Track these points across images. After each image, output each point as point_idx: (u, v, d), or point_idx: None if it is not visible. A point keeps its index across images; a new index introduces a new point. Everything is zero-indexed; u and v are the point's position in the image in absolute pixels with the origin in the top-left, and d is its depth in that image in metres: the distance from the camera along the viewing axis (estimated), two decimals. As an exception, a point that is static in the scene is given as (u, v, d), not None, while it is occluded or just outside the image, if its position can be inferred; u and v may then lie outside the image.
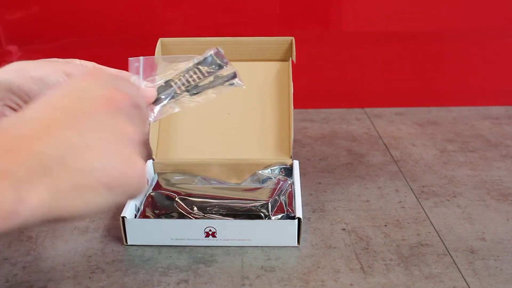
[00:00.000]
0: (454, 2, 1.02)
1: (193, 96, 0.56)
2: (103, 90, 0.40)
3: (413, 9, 1.01)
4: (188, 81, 0.55)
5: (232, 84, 0.56)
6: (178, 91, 0.55)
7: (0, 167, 0.33)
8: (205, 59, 0.57)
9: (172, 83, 0.55)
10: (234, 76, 0.57)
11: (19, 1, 1.00)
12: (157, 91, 0.55)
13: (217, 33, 1.00)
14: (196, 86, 0.55)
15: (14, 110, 0.52)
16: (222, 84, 0.56)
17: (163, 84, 0.55)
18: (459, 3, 1.01)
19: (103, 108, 0.39)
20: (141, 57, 0.55)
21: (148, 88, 0.55)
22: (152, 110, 0.54)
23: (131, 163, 0.39)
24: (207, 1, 1.00)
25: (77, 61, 0.56)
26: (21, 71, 0.51)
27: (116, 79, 0.43)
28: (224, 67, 0.57)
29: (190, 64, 0.56)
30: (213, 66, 0.57)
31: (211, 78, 0.56)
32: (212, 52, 0.57)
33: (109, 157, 0.38)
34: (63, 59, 0.55)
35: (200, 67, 0.57)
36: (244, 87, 0.56)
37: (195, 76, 0.56)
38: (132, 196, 0.39)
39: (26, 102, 0.52)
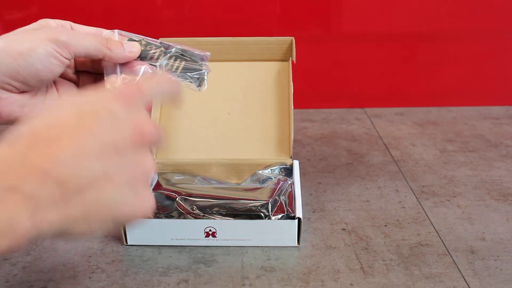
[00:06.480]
0: (454, 2, 1.02)
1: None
2: (134, 120, 0.38)
3: (413, 9, 1.01)
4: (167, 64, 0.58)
5: (197, 86, 0.58)
6: (154, 62, 0.57)
7: (26, 189, 0.34)
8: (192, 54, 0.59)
9: (151, 51, 0.57)
10: (200, 80, 0.58)
11: (19, 1, 1.00)
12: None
13: (217, 33, 1.00)
14: (169, 69, 0.58)
15: (7, 90, 0.52)
16: (186, 79, 0.58)
17: (143, 48, 0.57)
18: (458, 3, 1.01)
19: (130, 140, 0.38)
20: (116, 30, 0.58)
21: (132, 42, 0.56)
22: (133, 67, 0.56)
23: (143, 200, 0.39)
24: (207, 1, 1.00)
25: (52, 22, 0.55)
26: (7, 49, 0.50)
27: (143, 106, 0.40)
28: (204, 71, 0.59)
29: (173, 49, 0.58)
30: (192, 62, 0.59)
31: (181, 65, 0.58)
32: (201, 53, 0.59)
33: (125, 193, 0.37)
34: (38, 24, 0.55)
35: (183, 57, 0.58)
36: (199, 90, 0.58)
37: (171, 61, 0.58)
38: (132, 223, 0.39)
39: (18, 80, 0.51)
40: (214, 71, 0.63)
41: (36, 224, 0.34)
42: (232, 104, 0.78)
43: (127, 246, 0.63)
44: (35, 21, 0.56)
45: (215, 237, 0.62)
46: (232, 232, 0.62)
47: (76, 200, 0.35)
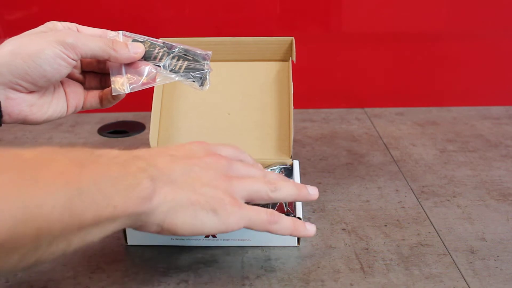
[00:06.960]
0: (454, 2, 1.02)
1: (168, 73, 0.60)
2: (204, 151, 0.52)
3: (413, 9, 1.01)
4: (170, 64, 0.60)
5: (199, 85, 0.60)
6: (158, 63, 0.59)
7: (140, 166, 0.44)
8: (195, 53, 0.61)
9: (155, 51, 0.59)
10: (203, 79, 0.60)
11: (19, 1, 1.00)
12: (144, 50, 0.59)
13: (217, 33, 1.00)
14: (172, 69, 0.59)
15: (16, 90, 0.53)
16: (188, 78, 0.60)
17: (147, 48, 0.59)
18: (459, 3, 1.02)
19: (204, 158, 0.51)
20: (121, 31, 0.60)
21: (137, 43, 0.58)
22: (138, 67, 0.58)
23: (236, 206, 0.49)
24: (207, 1, 1.00)
25: (59, 25, 0.57)
26: (17, 51, 0.52)
27: (219, 146, 0.55)
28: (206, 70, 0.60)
29: (176, 49, 0.61)
30: (195, 61, 0.61)
31: (183, 65, 0.59)
32: (203, 53, 0.60)
33: (213, 187, 0.49)
34: (46, 26, 0.56)
35: (186, 56, 0.60)
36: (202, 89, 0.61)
37: (174, 61, 0.60)
38: (227, 230, 0.50)
39: (26, 80, 0.53)
40: (214, 71, 0.63)
41: (155, 187, 0.44)
42: (232, 104, 0.78)
43: (127, 246, 0.63)
44: (35, 21, 0.57)
45: (215, 237, 0.62)
46: (232, 232, 0.61)
47: (178, 183, 0.47)
